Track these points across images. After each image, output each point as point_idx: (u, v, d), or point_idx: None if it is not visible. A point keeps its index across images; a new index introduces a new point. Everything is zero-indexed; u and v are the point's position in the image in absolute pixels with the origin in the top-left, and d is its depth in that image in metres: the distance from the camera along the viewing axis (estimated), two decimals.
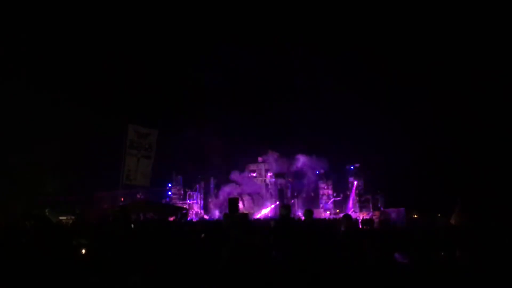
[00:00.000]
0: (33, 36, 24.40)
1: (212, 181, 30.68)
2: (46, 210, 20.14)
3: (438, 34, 27.82)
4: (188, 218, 25.38)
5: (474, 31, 25.65)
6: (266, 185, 31.10)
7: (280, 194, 28.23)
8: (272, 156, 31.80)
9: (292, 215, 10.34)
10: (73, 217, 20.16)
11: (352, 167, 28.70)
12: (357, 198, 27.62)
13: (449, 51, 27.69)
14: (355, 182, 28.02)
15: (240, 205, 25.87)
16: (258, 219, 24.15)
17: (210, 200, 30.23)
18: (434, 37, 28.08)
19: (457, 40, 27.03)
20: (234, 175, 31.03)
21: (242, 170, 31.58)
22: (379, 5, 29.69)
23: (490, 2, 25.13)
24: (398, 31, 29.07)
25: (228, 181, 31.12)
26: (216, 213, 28.56)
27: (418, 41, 28.71)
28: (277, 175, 29.84)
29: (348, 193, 28.51)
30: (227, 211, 21.42)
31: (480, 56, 25.99)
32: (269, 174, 31.23)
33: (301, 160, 30.44)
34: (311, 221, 8.61)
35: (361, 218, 24.09)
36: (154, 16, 30.35)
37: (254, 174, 31.72)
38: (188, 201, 28.72)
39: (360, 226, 20.60)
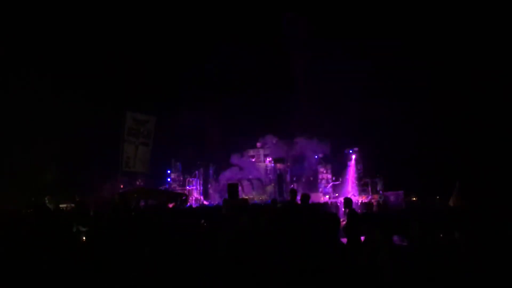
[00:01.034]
0: (27, 26, 24.16)
1: (211, 167, 30.70)
2: (46, 198, 20.16)
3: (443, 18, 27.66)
4: (188, 204, 25.48)
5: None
6: (265, 170, 31.15)
7: (279, 179, 28.31)
8: (270, 140, 31.77)
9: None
10: (73, 205, 20.21)
11: (351, 151, 28.75)
12: (356, 182, 27.74)
13: (449, 36, 27.55)
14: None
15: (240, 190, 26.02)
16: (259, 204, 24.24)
17: (209, 185, 30.30)
18: (438, 21, 27.86)
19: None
20: (234, 159, 31.10)
21: (241, 154, 31.62)
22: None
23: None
24: (403, 13, 28.81)
25: (227, 166, 31.20)
26: (216, 199, 28.66)
27: (421, 26, 28.48)
28: (276, 160, 29.83)
29: (347, 177, 28.62)
30: (226, 196, 21.53)
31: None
32: (268, 159, 31.27)
33: (302, 143, 30.39)
34: (307, 205, 8.75)
35: (360, 201, 24.24)
36: (152, 2, 29.99)
37: (253, 160, 31.79)
38: (188, 187, 28.80)
39: (360, 210, 20.76)
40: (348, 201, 10.04)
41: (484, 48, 25.30)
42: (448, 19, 27.10)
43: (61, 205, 19.90)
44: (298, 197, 24.43)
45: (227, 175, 30.21)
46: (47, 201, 19.05)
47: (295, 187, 29.05)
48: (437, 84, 27.44)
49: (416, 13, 28.39)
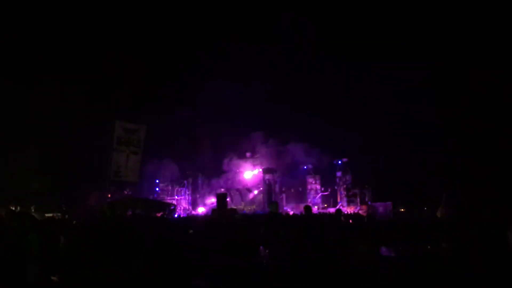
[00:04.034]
0: (15, 32, 24.02)
1: (200, 177, 30.57)
2: (32, 207, 19.89)
3: (427, 28, 28.15)
4: (176, 214, 25.30)
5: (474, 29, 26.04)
6: (254, 180, 31.07)
7: (269, 189, 28.24)
8: (260, 148, 31.56)
9: (279, 211, 10.47)
10: (59, 214, 19.95)
11: (339, 162, 28.86)
12: (345, 192, 27.81)
13: (436, 50, 28.08)
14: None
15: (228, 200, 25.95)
16: (246, 214, 24.19)
17: (198, 195, 30.14)
18: (424, 33, 28.37)
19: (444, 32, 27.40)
20: (225, 165, 31.06)
21: (231, 162, 31.50)
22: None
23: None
24: (394, 29, 29.26)
25: (217, 175, 31.11)
26: (205, 209, 28.50)
27: (409, 39, 28.95)
28: (265, 170, 29.79)
29: (336, 187, 28.69)
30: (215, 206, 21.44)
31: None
32: (257, 169, 31.22)
33: (293, 150, 30.36)
34: (311, 216, 8.81)
35: (348, 212, 24.31)
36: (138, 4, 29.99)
37: (243, 169, 31.70)
38: (176, 196, 28.60)
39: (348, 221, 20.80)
40: (338, 211, 10.32)
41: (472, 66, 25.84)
42: (442, 31, 27.63)
43: (47, 215, 19.68)
44: (285, 208, 24.36)
45: (216, 184, 30.14)
46: (33, 210, 18.83)
47: (284, 197, 29.04)
48: (426, 97, 27.86)
49: (410, 23, 28.86)
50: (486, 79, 24.65)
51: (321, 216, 20.96)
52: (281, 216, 10.12)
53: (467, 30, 26.27)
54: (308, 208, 8.69)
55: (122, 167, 19.25)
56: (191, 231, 10.10)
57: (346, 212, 24.31)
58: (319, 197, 29.29)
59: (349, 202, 27.24)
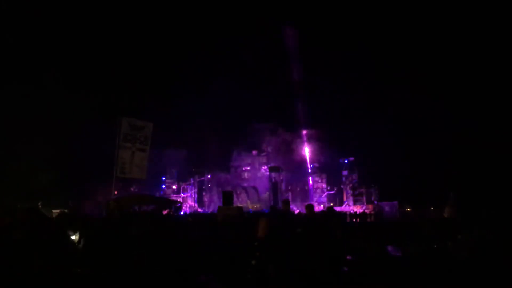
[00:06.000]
0: (21, 28, 24.17)
1: (207, 174, 30.62)
2: (39, 203, 20.01)
3: (433, 31, 28.01)
4: (182, 212, 25.38)
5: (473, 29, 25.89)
6: (261, 178, 31.05)
7: (274, 188, 28.21)
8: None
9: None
10: (66, 210, 20.04)
11: (346, 161, 28.76)
12: (351, 191, 27.72)
13: (442, 48, 27.93)
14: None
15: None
16: (254, 212, 24.19)
17: (204, 193, 30.20)
18: (429, 33, 28.23)
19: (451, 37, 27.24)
20: (232, 162, 31.07)
21: (239, 158, 31.52)
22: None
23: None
24: (396, 28, 29.11)
25: (223, 173, 31.12)
26: (211, 207, 28.55)
27: (414, 38, 28.81)
28: (271, 169, 29.76)
29: (342, 186, 28.60)
30: (221, 204, 21.46)
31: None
32: (263, 167, 31.22)
33: (301, 147, 30.27)
34: (313, 215, 8.75)
35: (354, 211, 24.26)
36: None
37: (249, 168, 31.68)
38: (182, 194, 28.67)
39: (354, 220, 20.83)
40: (330, 210, 10.27)
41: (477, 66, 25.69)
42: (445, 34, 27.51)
43: (54, 211, 19.81)
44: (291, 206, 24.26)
45: (223, 181, 30.17)
46: (40, 206, 18.92)
47: (290, 196, 29.00)
48: (432, 97, 27.72)
49: (414, 26, 28.74)
50: (490, 81, 24.53)
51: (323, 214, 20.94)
52: (291, 214, 10.13)
53: (468, 31, 26.14)
54: (310, 207, 8.62)
55: (127, 164, 19.30)
56: (190, 218, 10.12)
57: (352, 211, 24.28)
58: (325, 196, 29.23)
59: (356, 201, 27.15)
